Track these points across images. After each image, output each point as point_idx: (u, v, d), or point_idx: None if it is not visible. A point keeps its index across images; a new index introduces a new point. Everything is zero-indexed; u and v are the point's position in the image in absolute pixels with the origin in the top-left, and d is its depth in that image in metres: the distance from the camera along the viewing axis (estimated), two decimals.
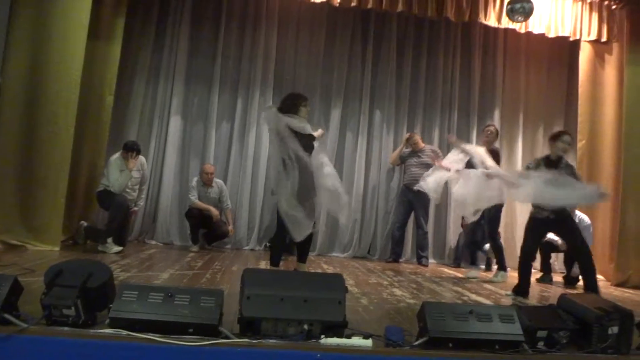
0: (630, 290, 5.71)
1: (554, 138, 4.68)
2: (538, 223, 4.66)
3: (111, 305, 2.35)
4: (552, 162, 4.58)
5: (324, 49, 7.35)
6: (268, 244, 6.94)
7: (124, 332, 2.25)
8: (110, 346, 2.21)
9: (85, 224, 5.77)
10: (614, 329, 2.57)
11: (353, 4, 6.28)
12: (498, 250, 5.79)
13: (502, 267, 5.74)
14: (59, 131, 5.26)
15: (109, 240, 5.35)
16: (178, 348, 2.18)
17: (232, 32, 7.20)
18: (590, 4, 6.68)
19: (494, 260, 7.01)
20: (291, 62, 7.33)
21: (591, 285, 4.47)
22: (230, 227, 6.58)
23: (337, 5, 6.35)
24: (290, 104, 4.37)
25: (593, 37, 6.73)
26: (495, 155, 5.48)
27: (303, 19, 7.32)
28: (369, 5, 6.33)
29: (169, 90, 7.02)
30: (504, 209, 6.01)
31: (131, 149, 5.66)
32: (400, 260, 6.89)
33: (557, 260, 7.02)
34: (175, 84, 7.02)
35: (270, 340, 2.31)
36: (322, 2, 6.37)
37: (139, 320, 2.28)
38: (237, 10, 7.23)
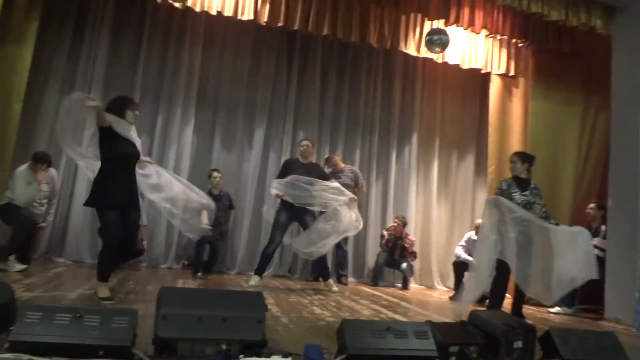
0: (533, 307, 6.09)
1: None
2: None
3: (11, 328, 2.18)
4: (522, 182, 4.83)
5: (249, 68, 7.35)
6: (186, 262, 6.76)
7: (26, 357, 2.09)
8: None
9: None
10: (518, 343, 2.74)
11: (279, 24, 6.34)
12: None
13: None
14: None
15: (11, 257, 4.97)
16: None
17: (155, 45, 7.03)
18: (500, 40, 7.18)
19: (411, 279, 7.27)
20: (215, 79, 7.26)
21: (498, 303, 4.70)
22: (144, 244, 6.33)
23: (264, 24, 6.39)
24: (117, 106, 4.03)
25: (502, 70, 7.24)
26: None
27: (229, 36, 7.29)
28: (295, 27, 6.42)
29: None
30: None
31: (41, 160, 5.32)
32: (320, 279, 6.91)
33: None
34: (92, 94, 6.67)
35: None
36: (248, 21, 6.38)
37: (43, 343, 2.13)
38: (161, 21, 7.07)
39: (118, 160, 3.91)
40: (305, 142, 6.09)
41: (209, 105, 7.21)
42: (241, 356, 2.33)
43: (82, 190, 6.54)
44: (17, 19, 5.69)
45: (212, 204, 4.91)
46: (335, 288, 5.86)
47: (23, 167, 5.34)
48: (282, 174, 5.89)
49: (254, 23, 6.50)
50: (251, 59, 7.37)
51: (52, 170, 5.61)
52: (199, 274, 6.04)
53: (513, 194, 4.77)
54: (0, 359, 2.08)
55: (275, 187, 5.70)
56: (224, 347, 2.34)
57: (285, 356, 2.40)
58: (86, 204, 4.00)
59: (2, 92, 5.58)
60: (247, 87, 7.33)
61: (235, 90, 7.30)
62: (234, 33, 7.27)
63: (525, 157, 4.96)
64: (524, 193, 4.77)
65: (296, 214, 5.73)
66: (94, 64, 6.78)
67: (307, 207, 5.69)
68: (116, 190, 3.85)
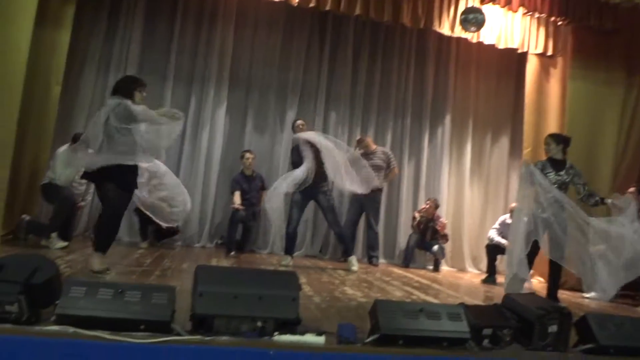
0: (568, 292, 5.99)
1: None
2: None
3: (57, 302, 2.27)
4: (557, 163, 4.77)
5: (281, 48, 7.34)
6: (219, 241, 6.88)
7: (71, 329, 2.18)
8: (56, 343, 2.13)
9: (27, 217, 5.52)
10: (553, 328, 2.71)
11: (311, 4, 6.30)
12: None
13: None
14: (1, 121, 5.01)
15: (53, 235, 5.16)
16: (128, 345, 2.14)
17: (188, 27, 7.09)
18: (538, 19, 6.96)
19: (442, 261, 7.24)
20: (247, 60, 7.29)
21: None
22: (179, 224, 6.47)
23: (295, 4, 6.36)
24: (126, 87, 4.03)
25: (539, 50, 7.03)
26: None
27: (260, 17, 7.28)
28: (327, 7, 6.37)
29: None
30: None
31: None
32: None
33: (501, 262, 7.27)
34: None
35: (223, 338, 2.30)
36: (280, 1, 6.36)
37: (87, 317, 2.22)
38: (194, 3, 7.12)
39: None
40: (300, 122, 6.06)
41: (241, 87, 7.25)
42: (276, 333, 2.38)
43: None
44: (54, 3, 5.81)
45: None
46: (354, 267, 5.87)
47: (63, 148, 5.50)
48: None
49: (285, 4, 6.48)
50: (283, 40, 7.36)
51: (91, 152, 5.74)
52: (232, 253, 6.15)
53: (548, 175, 4.73)
54: (47, 331, 2.19)
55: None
56: (258, 324, 2.39)
57: (318, 334, 2.44)
58: (122, 187, 3.97)
59: (42, 75, 5.71)
60: (279, 68, 7.33)
61: (267, 71, 7.32)
62: (265, 14, 7.25)
63: (559, 139, 4.89)
64: (559, 173, 4.74)
65: (310, 193, 5.76)
66: (128, 47, 6.89)
67: (320, 186, 5.73)
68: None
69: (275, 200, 5.57)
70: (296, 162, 5.81)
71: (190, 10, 7.11)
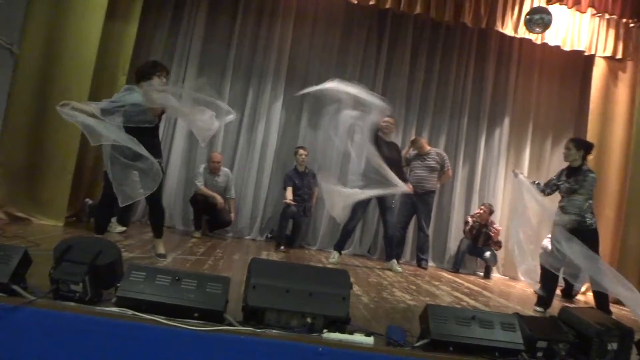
0: (627, 309, 5.71)
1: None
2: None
3: (118, 284, 2.37)
4: (573, 170, 4.59)
5: (339, 46, 7.35)
6: (270, 235, 6.98)
7: (130, 312, 2.27)
8: (115, 324, 2.23)
9: (90, 201, 5.78)
10: (613, 345, 2.59)
11: (371, 2, 6.28)
12: None
13: None
14: None
15: (113, 220, 5.37)
16: (182, 331, 2.21)
17: (249, 22, 7.21)
18: (608, 20, 6.66)
19: (494, 269, 7.06)
20: (305, 57, 7.33)
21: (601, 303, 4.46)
22: (232, 215, 6.62)
23: (356, 2, 6.34)
24: (146, 71, 4.04)
25: (608, 53, 6.73)
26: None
27: (320, 14, 7.31)
28: (387, 5, 6.33)
29: (182, 75, 7.02)
30: None
31: None
32: (400, 261, 6.89)
33: None
34: (189, 69, 7.03)
35: (274, 331, 2.33)
36: None
37: (145, 301, 2.30)
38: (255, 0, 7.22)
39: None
40: (388, 119, 6.01)
41: (297, 82, 7.29)
42: (325, 331, 2.39)
43: (177, 160, 6.93)
44: None
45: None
46: (398, 268, 5.83)
47: None
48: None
49: (344, 1, 6.48)
50: (341, 37, 7.35)
51: None
52: (282, 248, 6.22)
53: (560, 184, 4.60)
54: (108, 312, 2.28)
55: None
56: (308, 320, 2.41)
57: (367, 335, 2.43)
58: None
59: (110, 66, 5.96)
60: (336, 64, 7.33)
61: (324, 67, 7.32)
62: (324, 11, 7.27)
63: (580, 144, 4.63)
64: (569, 180, 4.54)
65: None
66: (191, 40, 7.07)
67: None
68: None
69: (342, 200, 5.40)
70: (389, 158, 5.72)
71: (252, 6, 7.22)
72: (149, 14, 6.79)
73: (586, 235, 4.35)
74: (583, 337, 2.63)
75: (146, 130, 3.97)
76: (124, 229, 5.41)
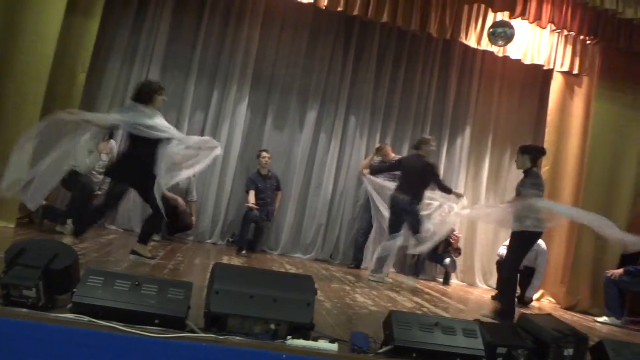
0: (579, 315, 5.92)
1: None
2: (534, 238, 4.59)
3: (74, 290, 2.28)
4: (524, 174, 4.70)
5: (305, 50, 7.34)
6: (231, 239, 6.88)
7: (86, 318, 2.19)
8: (70, 331, 2.14)
9: (43, 202, 5.55)
10: (569, 351, 2.67)
11: (339, 8, 6.29)
12: None
13: None
14: (25, 105, 5.07)
15: (69, 221, 5.15)
16: (142, 339, 2.14)
17: (215, 22, 7.10)
18: (567, 36, 6.90)
19: (452, 275, 7.18)
20: (271, 60, 7.29)
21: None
22: (193, 219, 6.50)
23: (324, 8, 6.36)
24: (146, 92, 4.28)
25: (565, 68, 6.97)
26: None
27: (288, 17, 7.28)
28: (355, 12, 6.36)
29: (145, 74, 6.84)
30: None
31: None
32: (361, 267, 6.93)
33: None
34: (152, 68, 6.87)
35: (237, 337, 2.28)
36: (308, 3, 6.36)
37: (103, 307, 2.22)
38: (222, 0, 7.14)
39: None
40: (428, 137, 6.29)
41: (263, 85, 7.26)
42: (289, 337, 2.37)
43: None
44: None
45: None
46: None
47: (86, 136, 5.52)
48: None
49: (313, 6, 6.48)
50: (308, 41, 7.34)
51: (112, 142, 5.80)
52: (243, 252, 6.14)
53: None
54: (63, 318, 2.19)
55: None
56: (272, 326, 2.38)
57: (331, 341, 2.42)
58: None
59: (69, 62, 5.75)
60: (303, 69, 7.32)
61: (290, 71, 7.31)
62: (292, 15, 7.25)
63: (525, 149, 4.76)
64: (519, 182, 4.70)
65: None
66: (155, 39, 6.91)
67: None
68: None
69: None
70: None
71: (218, 6, 7.13)
72: (112, 10, 6.60)
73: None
74: (540, 343, 2.69)
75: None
76: None
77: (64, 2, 5.22)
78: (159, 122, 4.26)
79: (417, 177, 5.93)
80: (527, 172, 4.66)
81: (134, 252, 4.35)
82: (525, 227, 4.33)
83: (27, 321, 2.13)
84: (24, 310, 2.18)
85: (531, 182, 4.55)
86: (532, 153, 4.72)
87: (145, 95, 4.26)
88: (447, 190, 6.12)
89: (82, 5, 5.82)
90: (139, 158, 4.19)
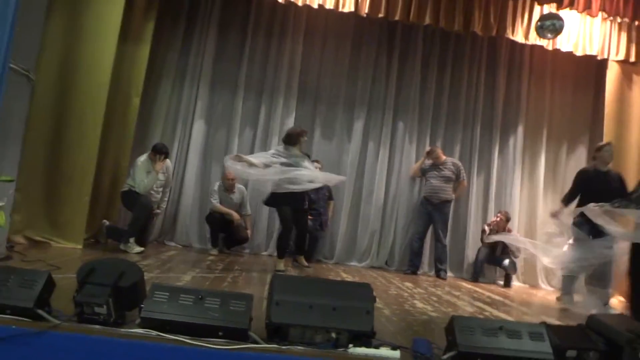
0: None
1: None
2: None
3: (142, 305, 2.36)
4: None
5: (349, 60, 7.37)
6: (287, 250, 6.93)
7: (154, 333, 2.26)
8: (140, 346, 2.21)
9: (107, 223, 5.82)
10: None
11: (380, 15, 6.30)
12: None
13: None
14: (86, 130, 5.33)
15: (131, 240, 5.39)
16: (207, 351, 2.19)
17: (259, 39, 7.27)
18: (620, 23, 6.62)
19: (513, 277, 6.96)
20: (316, 72, 7.37)
21: None
22: (249, 232, 6.62)
23: (365, 16, 6.38)
24: (293, 137, 5.45)
25: (621, 57, 6.68)
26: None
27: (330, 28, 7.35)
28: (397, 17, 6.35)
29: (194, 94, 7.09)
30: None
31: (160, 152, 5.72)
32: (418, 272, 6.85)
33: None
34: (201, 88, 7.10)
35: (299, 347, 2.30)
36: (349, 13, 6.40)
37: (169, 321, 2.29)
38: (265, 16, 7.29)
39: None
40: (607, 147, 5.47)
41: (309, 98, 7.34)
42: (350, 345, 2.36)
43: (191, 179, 6.96)
44: (136, 19, 6.15)
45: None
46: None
47: (143, 157, 5.76)
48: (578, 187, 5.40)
49: (354, 15, 6.52)
50: (351, 51, 7.38)
51: (168, 161, 6.02)
52: (296, 263, 6.18)
53: None
54: (133, 333, 2.28)
55: None
56: (333, 335, 2.38)
57: (393, 348, 2.40)
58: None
59: (123, 87, 6.04)
60: (347, 78, 7.36)
61: (335, 82, 7.36)
62: (334, 26, 7.31)
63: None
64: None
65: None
66: (202, 59, 7.14)
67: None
68: None
69: None
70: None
71: (261, 22, 7.29)
72: (161, 34, 6.88)
73: None
74: (613, 345, 2.56)
75: None
76: (142, 249, 5.43)
77: (116, 31, 5.47)
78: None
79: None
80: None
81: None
82: None
83: (100, 337, 2.22)
84: (97, 326, 2.28)
85: None
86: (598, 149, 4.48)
87: (291, 139, 5.41)
88: None
89: (133, 32, 6.10)
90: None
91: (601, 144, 5.68)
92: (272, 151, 5.58)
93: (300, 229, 5.70)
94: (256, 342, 2.29)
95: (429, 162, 6.93)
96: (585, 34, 6.67)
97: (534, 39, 6.54)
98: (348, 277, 5.68)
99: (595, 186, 5.12)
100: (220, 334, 2.28)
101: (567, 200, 5.46)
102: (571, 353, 2.49)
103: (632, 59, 6.70)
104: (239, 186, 6.61)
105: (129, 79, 6.17)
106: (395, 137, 7.39)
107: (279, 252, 5.53)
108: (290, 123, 7.19)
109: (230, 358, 2.19)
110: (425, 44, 7.48)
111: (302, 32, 7.29)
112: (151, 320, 2.29)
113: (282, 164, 5.21)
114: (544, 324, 2.62)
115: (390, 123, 7.37)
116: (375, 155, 7.32)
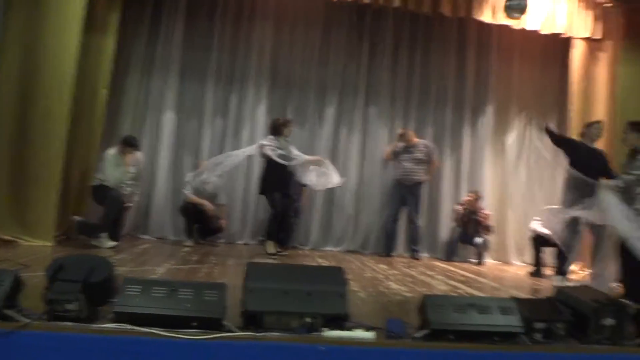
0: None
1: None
2: None
3: (114, 300, 2.35)
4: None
5: (320, 44, 7.34)
6: (261, 238, 6.94)
7: (128, 327, 2.25)
8: (114, 340, 2.21)
9: (77, 218, 5.71)
10: (610, 321, 2.62)
11: None
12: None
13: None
14: (52, 126, 5.21)
15: (103, 235, 5.32)
16: (182, 342, 2.19)
17: (227, 26, 7.17)
18: (586, 1, 6.71)
19: (486, 254, 7.08)
20: (286, 57, 7.32)
21: None
22: (223, 222, 6.59)
23: (334, 0, 6.34)
24: (276, 126, 5.88)
25: (587, 34, 6.78)
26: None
27: (299, 13, 7.29)
28: (366, 0, 6.33)
29: (163, 84, 6.98)
30: None
31: (130, 144, 5.64)
32: (393, 254, 6.93)
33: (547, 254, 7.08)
34: (170, 77, 6.99)
35: (274, 333, 2.32)
36: None
37: (142, 314, 2.28)
38: (233, 2, 7.19)
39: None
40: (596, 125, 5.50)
41: (280, 83, 7.29)
42: (325, 329, 2.40)
43: (164, 170, 6.88)
44: (101, 8, 5.99)
45: None
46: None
47: (113, 150, 5.66)
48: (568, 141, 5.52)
49: None
50: (321, 35, 7.34)
51: (139, 154, 5.92)
52: (278, 250, 6.18)
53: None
54: (106, 328, 2.26)
55: None
56: (308, 320, 2.41)
57: (368, 330, 2.44)
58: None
59: (90, 79, 5.90)
60: (318, 64, 7.33)
61: (306, 67, 7.33)
62: (303, 11, 7.26)
63: (633, 126, 4.43)
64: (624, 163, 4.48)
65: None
66: (170, 48, 7.02)
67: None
68: None
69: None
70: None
71: (229, 9, 7.19)
72: (127, 25, 6.71)
73: None
74: (580, 316, 2.65)
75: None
76: (114, 243, 5.37)
77: (80, 22, 5.32)
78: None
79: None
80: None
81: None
82: None
83: (72, 334, 2.20)
84: (69, 323, 2.26)
85: None
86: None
87: (275, 128, 5.83)
88: None
89: (98, 23, 5.95)
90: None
91: (591, 121, 5.77)
92: (265, 142, 5.85)
93: (285, 215, 5.91)
94: (231, 331, 2.30)
95: (401, 144, 6.97)
96: (551, 12, 6.74)
97: (501, 19, 6.59)
98: (324, 262, 5.73)
99: (581, 158, 5.20)
100: (194, 324, 2.29)
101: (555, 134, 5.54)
102: (540, 325, 2.57)
103: (598, 36, 6.80)
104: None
105: (95, 71, 6.03)
106: (367, 120, 7.41)
107: (269, 236, 5.83)
108: (261, 110, 7.16)
109: (205, 347, 2.20)
110: (395, 27, 7.48)
111: (271, 17, 7.22)
112: (124, 315, 2.28)
113: (280, 155, 5.65)
114: (513, 298, 2.69)
115: (362, 107, 7.38)
116: (349, 139, 7.34)
